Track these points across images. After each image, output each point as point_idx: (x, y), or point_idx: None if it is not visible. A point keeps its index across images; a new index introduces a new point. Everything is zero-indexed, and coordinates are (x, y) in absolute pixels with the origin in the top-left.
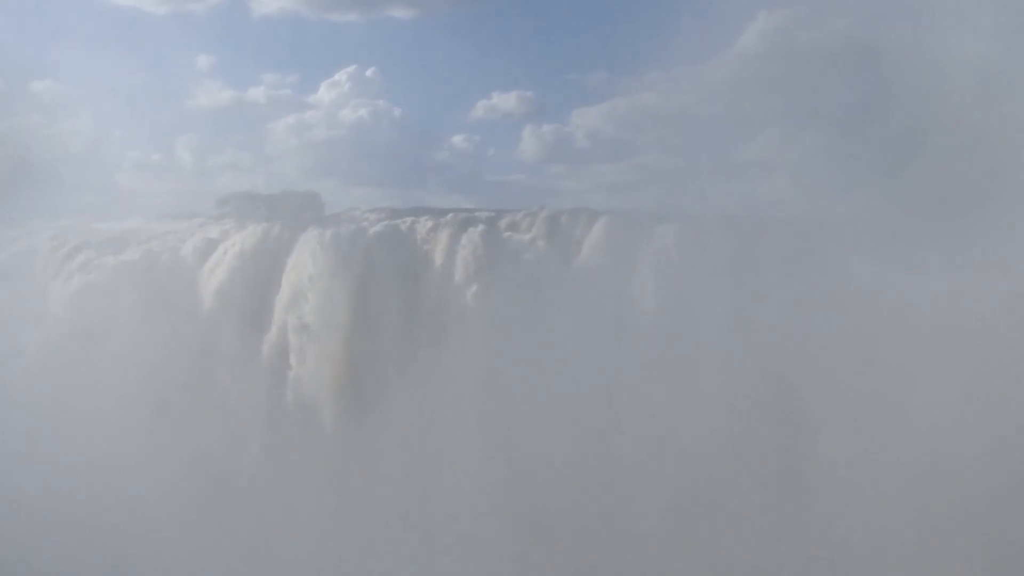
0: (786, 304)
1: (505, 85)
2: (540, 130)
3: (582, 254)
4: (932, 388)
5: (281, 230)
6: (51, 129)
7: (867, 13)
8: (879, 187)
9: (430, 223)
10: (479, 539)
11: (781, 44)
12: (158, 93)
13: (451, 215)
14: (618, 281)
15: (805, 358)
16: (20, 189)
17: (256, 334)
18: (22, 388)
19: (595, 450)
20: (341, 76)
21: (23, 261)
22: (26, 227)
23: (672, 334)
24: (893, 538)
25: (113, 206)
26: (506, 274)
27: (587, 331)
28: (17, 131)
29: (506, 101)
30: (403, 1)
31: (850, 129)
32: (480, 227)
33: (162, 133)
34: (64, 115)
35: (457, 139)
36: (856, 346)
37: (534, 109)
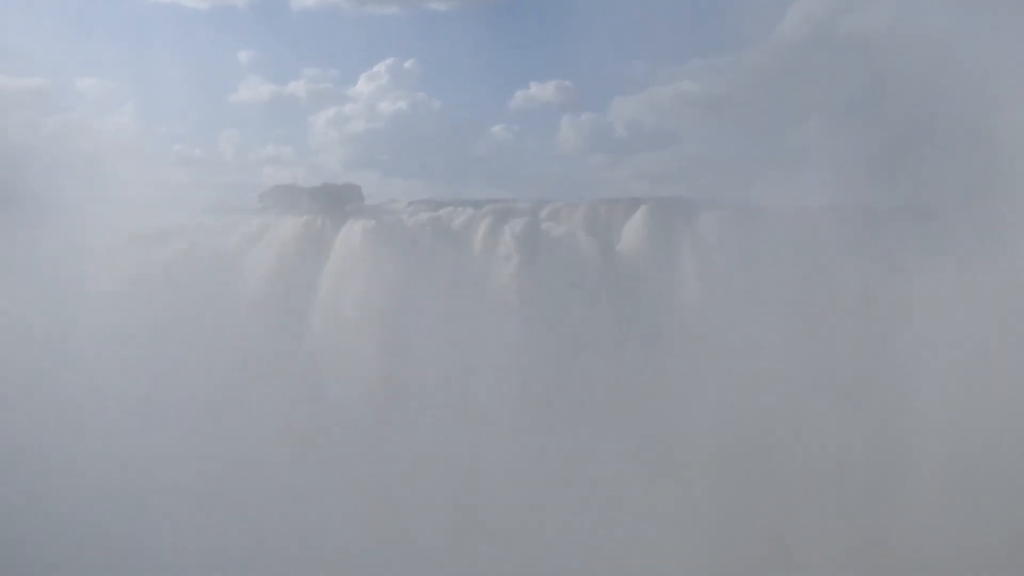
0: (832, 293)
1: (543, 75)
2: (579, 120)
3: (622, 243)
4: (985, 381)
5: (323, 222)
6: (96, 125)
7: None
8: (922, 177)
9: (470, 214)
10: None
11: (822, 31)
12: (200, 88)
13: (491, 206)
14: (659, 270)
15: (852, 346)
16: (67, 184)
17: (298, 325)
18: (68, 379)
19: (640, 442)
20: (380, 68)
21: (71, 256)
22: (73, 222)
23: (716, 324)
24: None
25: (158, 201)
26: (546, 264)
27: (628, 321)
28: (63, 127)
29: (544, 91)
30: None
31: (893, 118)
32: (520, 218)
33: (205, 128)
34: (108, 111)
35: (496, 130)
36: (901, 337)
37: (573, 99)
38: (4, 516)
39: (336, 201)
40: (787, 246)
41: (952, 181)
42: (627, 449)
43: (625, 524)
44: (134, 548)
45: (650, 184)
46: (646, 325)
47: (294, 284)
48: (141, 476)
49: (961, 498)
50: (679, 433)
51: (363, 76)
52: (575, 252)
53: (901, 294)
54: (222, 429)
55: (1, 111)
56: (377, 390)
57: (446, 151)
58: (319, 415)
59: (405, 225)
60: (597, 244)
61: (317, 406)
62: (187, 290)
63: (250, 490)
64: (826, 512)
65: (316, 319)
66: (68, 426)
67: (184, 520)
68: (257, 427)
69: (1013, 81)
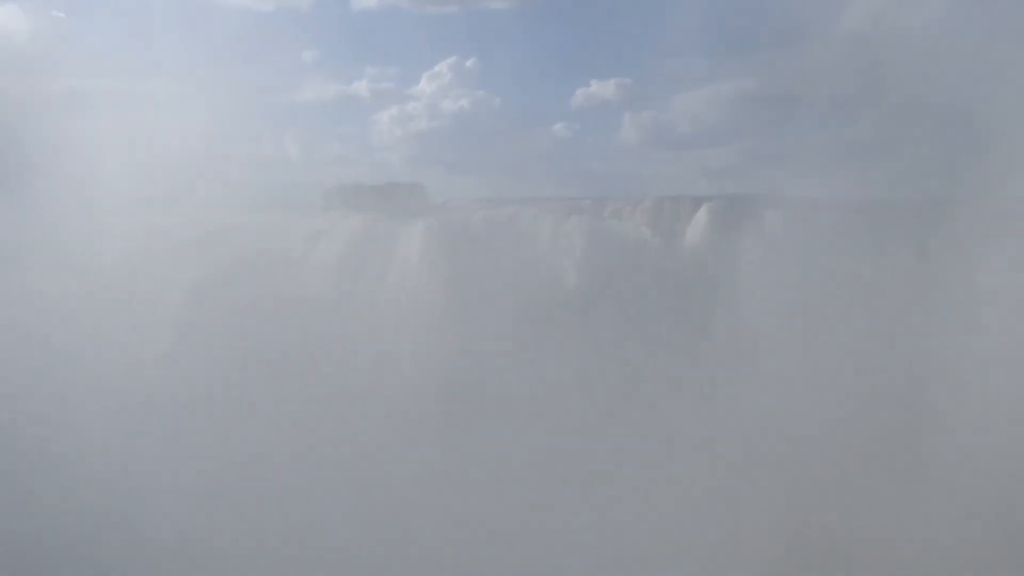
0: (901, 288)
1: (604, 72)
2: (640, 116)
3: (686, 241)
4: None
5: (386, 221)
6: (164, 125)
7: None
8: (989, 170)
9: (533, 211)
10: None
11: (885, 24)
12: (266, 88)
13: (554, 203)
14: (723, 267)
15: (925, 347)
16: (135, 186)
17: (364, 323)
18: (134, 378)
19: (705, 440)
20: (442, 67)
21: (140, 254)
22: (141, 223)
23: (780, 321)
24: None
25: (224, 200)
26: (610, 261)
27: (692, 319)
28: (132, 129)
29: (605, 88)
30: None
31: (958, 111)
32: (583, 215)
33: (270, 127)
34: (175, 112)
35: (557, 127)
36: (979, 336)
37: (633, 96)
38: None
39: (400, 200)
40: (852, 242)
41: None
42: (691, 446)
43: (688, 522)
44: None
45: (712, 180)
46: (710, 323)
47: (357, 283)
48: (201, 476)
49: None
50: (741, 432)
51: (425, 75)
52: (639, 250)
53: (970, 292)
54: (286, 429)
55: (72, 113)
56: (441, 390)
57: (508, 149)
58: (384, 415)
59: (468, 223)
60: (661, 241)
61: (382, 406)
62: (251, 289)
63: (313, 489)
64: (882, 515)
65: (380, 318)
66: (134, 425)
67: (257, 518)
68: (320, 427)
69: None
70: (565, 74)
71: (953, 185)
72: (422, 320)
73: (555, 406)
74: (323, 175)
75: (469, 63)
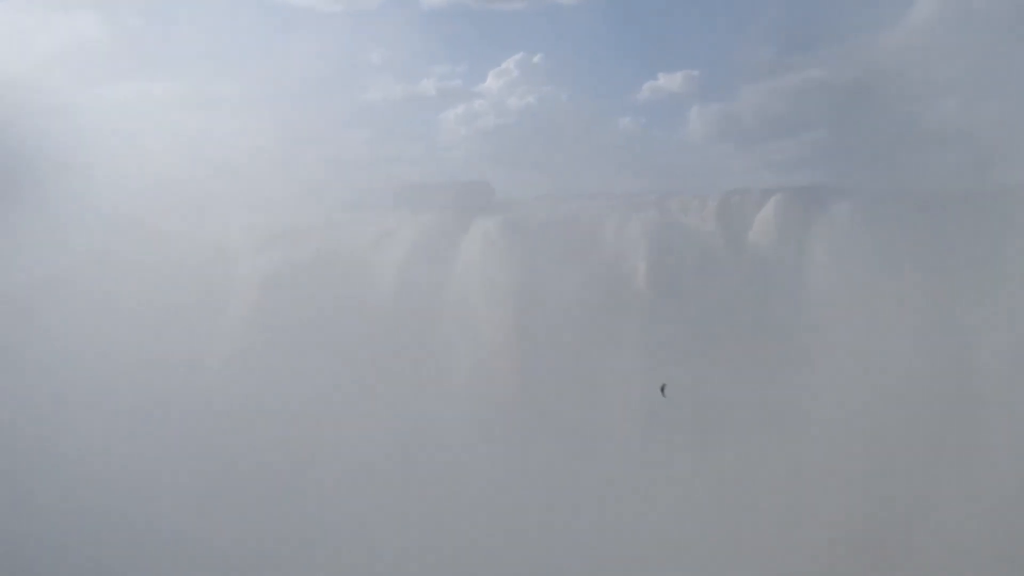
0: (973, 281)
1: (671, 66)
2: (707, 109)
3: (753, 234)
4: None
5: (453, 219)
6: (234, 127)
7: None
8: None
9: (599, 206)
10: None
11: (956, 10)
12: (334, 88)
13: (620, 198)
14: (792, 259)
15: (995, 340)
16: (207, 183)
17: (430, 321)
18: (206, 376)
19: (772, 436)
20: (508, 64)
21: (214, 256)
22: (215, 223)
23: (850, 315)
24: None
25: (293, 200)
26: (678, 256)
27: (762, 314)
28: (202, 130)
29: (672, 81)
30: None
31: None
32: (650, 210)
33: (338, 127)
34: (246, 113)
35: (624, 122)
36: None
37: (700, 88)
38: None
39: (466, 198)
40: (924, 233)
41: None
42: (757, 441)
43: (754, 520)
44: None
45: (778, 172)
46: (779, 317)
47: (425, 281)
48: (276, 472)
49: None
50: (810, 428)
51: (491, 72)
52: (707, 244)
53: None
54: (353, 426)
55: (144, 115)
56: (509, 388)
57: (574, 144)
58: (451, 413)
59: (534, 220)
60: (729, 236)
61: (449, 404)
62: (321, 288)
63: (379, 483)
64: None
65: (448, 316)
66: (212, 421)
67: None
68: (385, 425)
69: None
70: (632, 68)
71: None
72: (489, 318)
73: (622, 403)
74: (390, 175)
75: (536, 59)
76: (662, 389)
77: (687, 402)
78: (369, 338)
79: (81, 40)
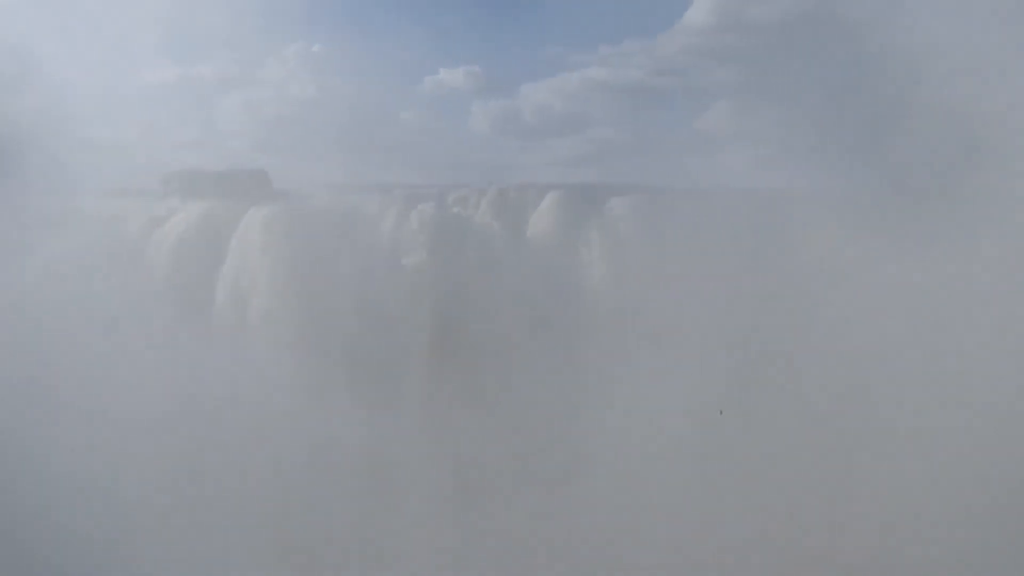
0: (743, 277)
1: (453, 61)
2: (488, 105)
3: (531, 229)
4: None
5: (227, 207)
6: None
7: None
8: (835, 160)
9: (379, 199)
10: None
11: (731, 17)
12: (106, 69)
13: (399, 191)
14: (568, 255)
15: (766, 330)
16: None
17: (201, 312)
18: None
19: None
20: (289, 52)
21: None
22: None
23: (626, 310)
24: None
25: (61, 183)
26: (455, 249)
27: (538, 306)
28: None
29: (454, 76)
30: None
31: (804, 102)
32: (429, 203)
33: (110, 110)
34: (10, 91)
35: (406, 115)
36: (820, 322)
37: (482, 84)
38: None
39: (241, 186)
40: (700, 229)
41: (865, 165)
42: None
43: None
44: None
45: (562, 170)
46: (556, 311)
47: (195, 272)
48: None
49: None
50: (589, 424)
51: (272, 60)
52: (485, 237)
53: (817, 279)
54: (116, 426)
55: None
56: (287, 376)
57: (356, 136)
58: (226, 414)
59: (311, 210)
60: (506, 230)
61: (225, 404)
62: (87, 277)
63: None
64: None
65: (221, 307)
66: None
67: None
68: (153, 424)
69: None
70: (414, 61)
71: (809, 174)
72: (262, 310)
73: (403, 389)
74: (166, 160)
75: (316, 48)
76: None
77: (464, 390)
78: (137, 332)
79: None
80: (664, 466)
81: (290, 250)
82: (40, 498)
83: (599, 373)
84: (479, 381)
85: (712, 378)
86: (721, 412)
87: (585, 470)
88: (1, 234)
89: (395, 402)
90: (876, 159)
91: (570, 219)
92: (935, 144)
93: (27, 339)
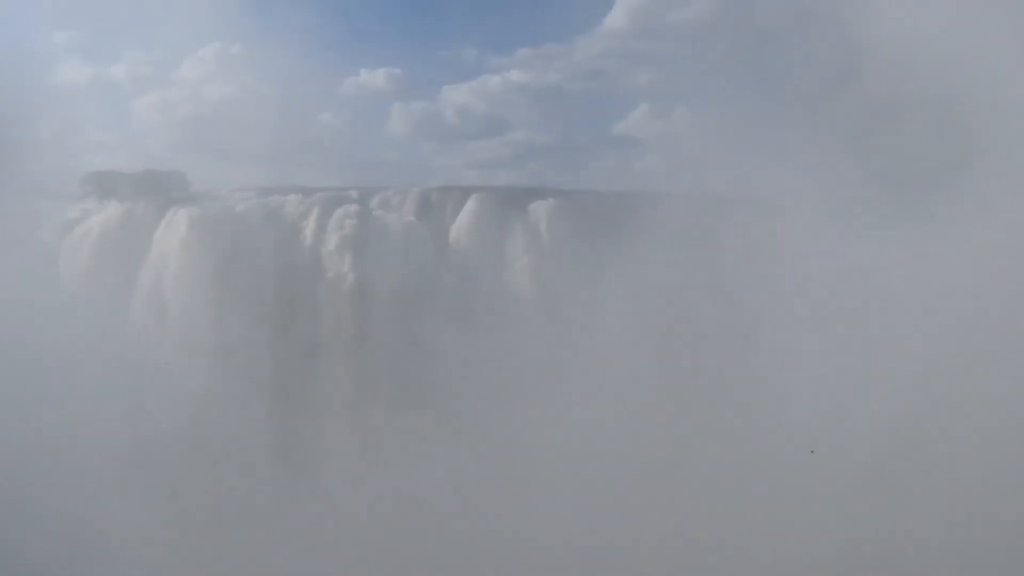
0: (667, 277)
1: (373, 62)
2: (409, 107)
3: (454, 232)
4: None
5: (145, 209)
6: None
7: None
8: (756, 161)
9: (300, 201)
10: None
11: (650, 21)
12: (15, 70)
13: (321, 193)
14: (491, 259)
15: (693, 333)
16: None
17: (118, 316)
18: None
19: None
20: (206, 52)
21: None
22: None
23: (547, 313)
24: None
25: None
26: (377, 252)
27: (459, 309)
28: None
29: (374, 78)
30: None
31: (720, 103)
32: (352, 205)
33: (20, 111)
34: None
35: (325, 116)
36: (746, 318)
37: (403, 86)
38: None
39: (159, 187)
40: (620, 232)
41: (789, 163)
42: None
43: None
44: None
45: (482, 172)
46: (479, 315)
47: (113, 276)
48: None
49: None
50: (518, 424)
51: (189, 60)
52: (408, 240)
53: (740, 276)
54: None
55: None
56: (209, 390)
57: (275, 137)
58: (142, 422)
59: (232, 212)
60: (430, 232)
61: (139, 414)
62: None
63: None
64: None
65: (141, 309)
66: None
67: None
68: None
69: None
70: (334, 62)
71: (722, 177)
72: (182, 316)
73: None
74: (79, 162)
75: (235, 49)
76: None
77: (386, 395)
78: (51, 339)
79: None
80: (595, 467)
81: (212, 251)
82: None
83: (525, 373)
84: (403, 383)
85: (639, 377)
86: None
87: (516, 472)
88: None
89: (315, 403)
90: (802, 159)
91: (494, 221)
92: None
93: None
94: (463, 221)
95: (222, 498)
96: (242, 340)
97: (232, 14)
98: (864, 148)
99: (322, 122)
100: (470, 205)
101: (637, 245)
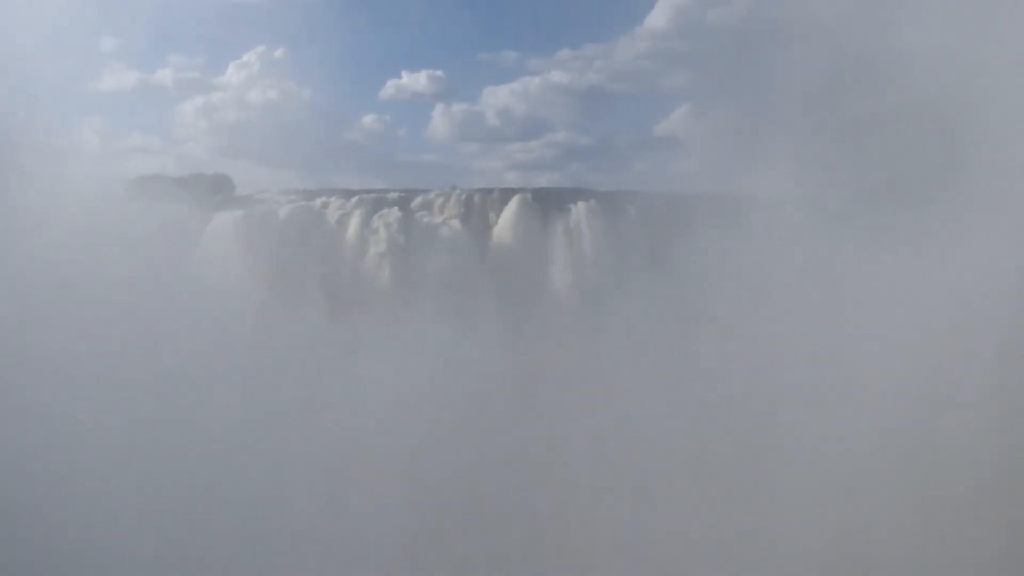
0: (706, 279)
1: (414, 64)
2: (451, 109)
3: (496, 233)
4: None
5: (191, 212)
6: None
7: None
8: (795, 165)
9: (342, 204)
10: None
11: (692, 21)
12: (61, 76)
13: (362, 196)
14: (533, 259)
15: (725, 331)
16: None
17: (167, 319)
18: None
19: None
20: (249, 57)
21: None
22: None
23: (586, 309)
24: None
25: (17, 191)
26: (420, 254)
27: (504, 310)
28: None
29: (416, 81)
30: None
31: (763, 106)
32: (393, 208)
33: (66, 117)
34: None
35: (368, 119)
36: (783, 322)
37: (444, 88)
38: None
39: (205, 191)
40: (662, 232)
41: (821, 168)
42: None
43: None
44: None
45: (523, 173)
46: (521, 314)
47: (161, 277)
48: None
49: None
50: (563, 423)
51: (232, 64)
52: (450, 242)
53: (778, 282)
54: (76, 433)
55: None
56: (248, 386)
57: (317, 140)
58: (188, 419)
59: (277, 215)
60: (470, 234)
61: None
62: (48, 283)
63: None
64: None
65: (190, 310)
66: None
67: None
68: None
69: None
70: (375, 65)
71: (762, 179)
72: (227, 316)
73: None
74: (124, 167)
75: (278, 53)
76: None
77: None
78: (100, 338)
79: None
80: (626, 462)
81: (258, 255)
82: None
83: (568, 371)
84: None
85: (681, 375)
86: None
87: (562, 465)
88: None
89: None
90: (840, 163)
91: (536, 222)
92: (900, 147)
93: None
94: (505, 222)
95: None
96: (290, 339)
97: (275, 19)
98: (883, 152)
99: (363, 125)
100: (512, 206)
101: (677, 246)
